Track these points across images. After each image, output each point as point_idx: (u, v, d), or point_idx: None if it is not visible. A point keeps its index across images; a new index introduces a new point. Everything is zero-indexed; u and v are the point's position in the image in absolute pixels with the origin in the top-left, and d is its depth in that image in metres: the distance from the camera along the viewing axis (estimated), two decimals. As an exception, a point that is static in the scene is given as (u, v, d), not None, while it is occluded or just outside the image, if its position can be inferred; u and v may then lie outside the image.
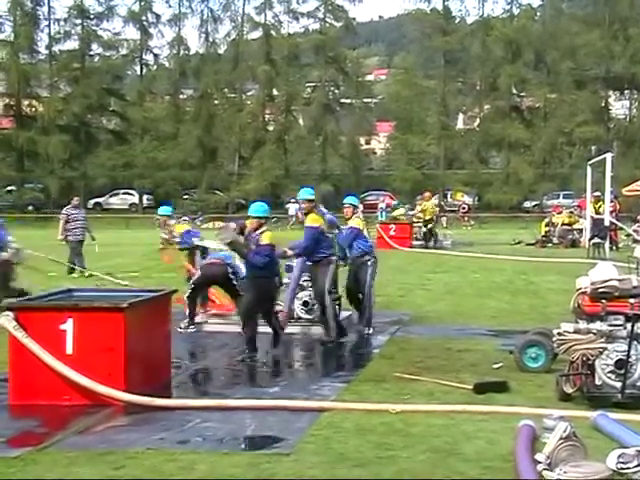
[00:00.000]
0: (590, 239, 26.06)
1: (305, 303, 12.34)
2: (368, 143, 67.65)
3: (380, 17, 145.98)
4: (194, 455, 6.41)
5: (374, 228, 27.82)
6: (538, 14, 63.60)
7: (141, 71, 64.85)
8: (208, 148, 61.30)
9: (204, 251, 12.93)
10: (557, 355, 8.80)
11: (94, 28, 63.25)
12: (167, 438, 6.87)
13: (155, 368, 8.63)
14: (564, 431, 5.90)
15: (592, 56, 57.77)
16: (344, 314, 12.74)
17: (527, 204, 57.60)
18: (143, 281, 17.64)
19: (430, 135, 61.34)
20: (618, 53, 56.82)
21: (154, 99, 66.24)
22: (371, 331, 12.06)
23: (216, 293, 13.19)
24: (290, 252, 11.32)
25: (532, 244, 30.67)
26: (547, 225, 31.53)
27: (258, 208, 10.46)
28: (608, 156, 26.05)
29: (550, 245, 30.08)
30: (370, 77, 77.07)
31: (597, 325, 7.88)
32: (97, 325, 7.93)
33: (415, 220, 30.54)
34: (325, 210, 12.38)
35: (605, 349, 7.78)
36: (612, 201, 27.39)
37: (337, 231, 12.43)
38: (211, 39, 64.50)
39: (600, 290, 8.02)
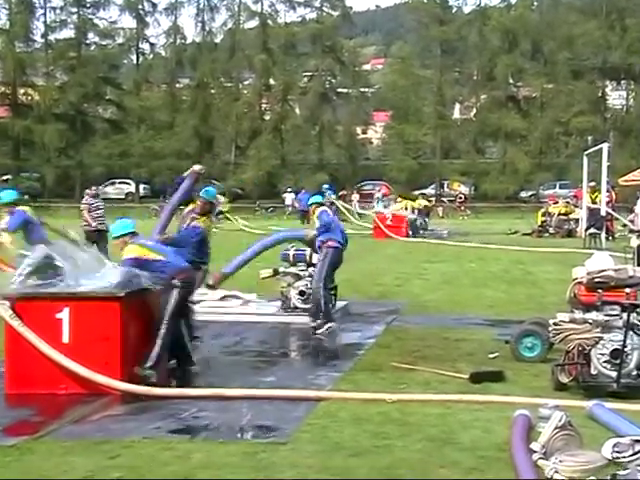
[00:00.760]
0: (586, 229, 26.08)
1: (302, 292, 12.32)
2: (365, 133, 67.65)
3: (377, 6, 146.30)
4: (190, 444, 6.42)
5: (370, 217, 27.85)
6: (535, 4, 63.63)
7: (137, 60, 64.80)
8: (204, 137, 61.27)
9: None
10: (553, 345, 8.80)
11: (90, 17, 63.27)
12: (163, 427, 6.87)
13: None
14: (559, 420, 5.91)
15: (589, 46, 57.79)
16: (340, 304, 12.77)
17: (523, 194, 57.71)
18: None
19: (427, 125, 61.35)
20: (615, 43, 56.84)
21: (150, 88, 66.09)
22: (318, 326, 11.28)
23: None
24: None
25: (528, 234, 30.73)
26: (543, 215, 31.59)
27: (116, 228, 8.97)
28: (604, 146, 26.06)
29: (546, 235, 30.15)
30: (367, 66, 77.11)
31: (593, 315, 7.89)
32: (93, 314, 7.93)
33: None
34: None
35: (601, 339, 7.79)
36: (608, 191, 27.39)
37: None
38: (208, 28, 64.55)
39: (596, 280, 8.03)
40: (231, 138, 62.47)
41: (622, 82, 60.61)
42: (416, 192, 40.96)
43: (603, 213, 25.70)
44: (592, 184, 28.25)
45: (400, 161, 59.06)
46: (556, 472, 5.49)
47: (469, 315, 12.72)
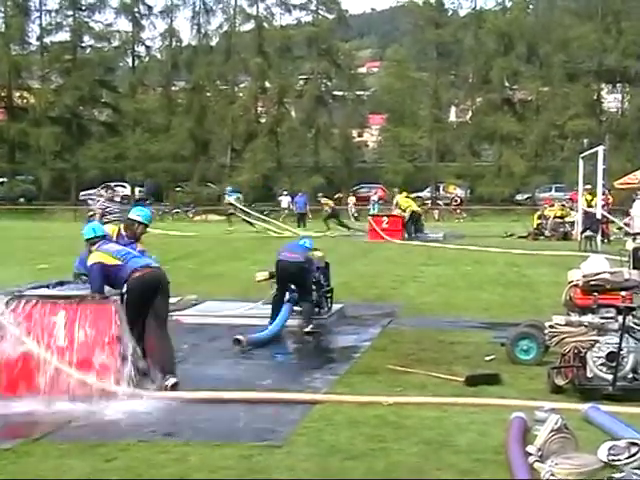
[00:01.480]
0: (582, 232, 26.12)
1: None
2: (360, 135, 67.65)
3: (373, 9, 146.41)
4: (186, 447, 6.41)
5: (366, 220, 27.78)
6: (531, 7, 63.76)
7: (133, 63, 64.68)
8: (200, 140, 61.18)
9: None
10: (549, 348, 8.81)
11: (86, 19, 63.17)
12: (159, 430, 6.87)
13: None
14: (555, 423, 5.92)
15: (585, 49, 57.80)
16: (336, 306, 12.77)
17: (519, 197, 57.70)
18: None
19: (422, 128, 61.35)
20: (611, 46, 56.86)
21: (146, 91, 66.06)
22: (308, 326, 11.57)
23: None
24: None
25: (524, 237, 30.74)
26: (539, 218, 31.61)
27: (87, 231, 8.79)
28: (600, 149, 26.09)
29: (542, 238, 30.14)
30: (362, 69, 77.00)
31: (589, 318, 7.90)
32: (89, 317, 7.91)
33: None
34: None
35: (597, 342, 7.80)
36: (604, 194, 27.45)
37: None
38: (203, 31, 64.44)
39: (592, 283, 8.04)
40: (227, 141, 62.40)
41: (618, 85, 60.64)
42: (412, 195, 40.91)
43: (599, 216, 25.73)
44: (588, 187, 28.29)
45: (396, 164, 59.04)
46: (552, 475, 5.50)
47: (465, 318, 12.71)
